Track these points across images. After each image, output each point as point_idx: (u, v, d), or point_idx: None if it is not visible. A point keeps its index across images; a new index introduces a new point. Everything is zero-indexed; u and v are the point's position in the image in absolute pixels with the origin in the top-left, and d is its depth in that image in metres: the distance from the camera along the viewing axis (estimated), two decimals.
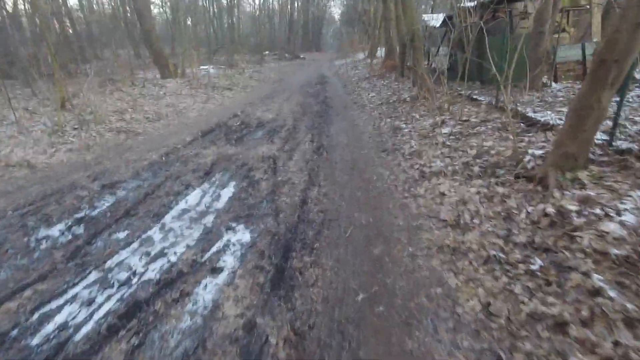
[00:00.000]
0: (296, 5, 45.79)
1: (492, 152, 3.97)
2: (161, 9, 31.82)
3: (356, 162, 4.71)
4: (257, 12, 39.11)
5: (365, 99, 9.72)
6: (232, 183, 4.10)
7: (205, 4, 34.48)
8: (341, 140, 5.81)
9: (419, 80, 7.71)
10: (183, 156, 5.10)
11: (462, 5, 9.03)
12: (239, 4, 39.97)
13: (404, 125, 6.17)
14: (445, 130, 5.12)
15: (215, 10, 35.35)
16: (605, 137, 3.48)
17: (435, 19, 9.70)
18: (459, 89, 8.17)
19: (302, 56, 33.83)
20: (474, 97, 7.02)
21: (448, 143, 4.64)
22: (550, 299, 1.94)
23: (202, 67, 20.77)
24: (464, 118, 5.54)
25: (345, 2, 44.41)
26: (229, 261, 2.56)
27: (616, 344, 1.61)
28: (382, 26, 19.07)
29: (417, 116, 6.54)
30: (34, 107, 7.62)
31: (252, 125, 7.02)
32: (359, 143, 5.64)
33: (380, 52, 17.09)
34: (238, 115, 7.97)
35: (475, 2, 8.32)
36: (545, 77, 7.11)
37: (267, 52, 34.81)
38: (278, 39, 41.43)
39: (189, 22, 33.72)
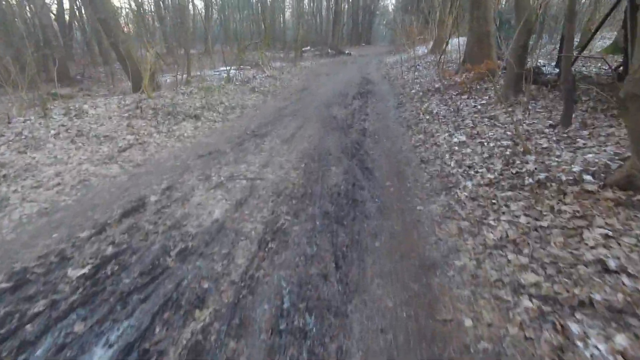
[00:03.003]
0: None
1: None
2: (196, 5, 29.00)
3: None
4: (297, 2, 34.77)
5: (444, 151, 4.50)
6: None
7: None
8: None
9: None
10: None
11: None
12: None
13: None
14: None
15: (260, 5, 32.08)
16: None
17: None
18: None
19: (347, 52, 28.49)
20: None
21: None
22: None
23: (221, 69, 16.75)
24: None
25: None
26: None
27: None
28: (459, 6, 13.20)
29: None
30: None
31: (116, 289, 2.31)
32: None
33: (459, 44, 11.38)
34: (136, 213, 3.30)
35: None
36: None
37: (308, 48, 30.25)
38: (324, 32, 36.55)
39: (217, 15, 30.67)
